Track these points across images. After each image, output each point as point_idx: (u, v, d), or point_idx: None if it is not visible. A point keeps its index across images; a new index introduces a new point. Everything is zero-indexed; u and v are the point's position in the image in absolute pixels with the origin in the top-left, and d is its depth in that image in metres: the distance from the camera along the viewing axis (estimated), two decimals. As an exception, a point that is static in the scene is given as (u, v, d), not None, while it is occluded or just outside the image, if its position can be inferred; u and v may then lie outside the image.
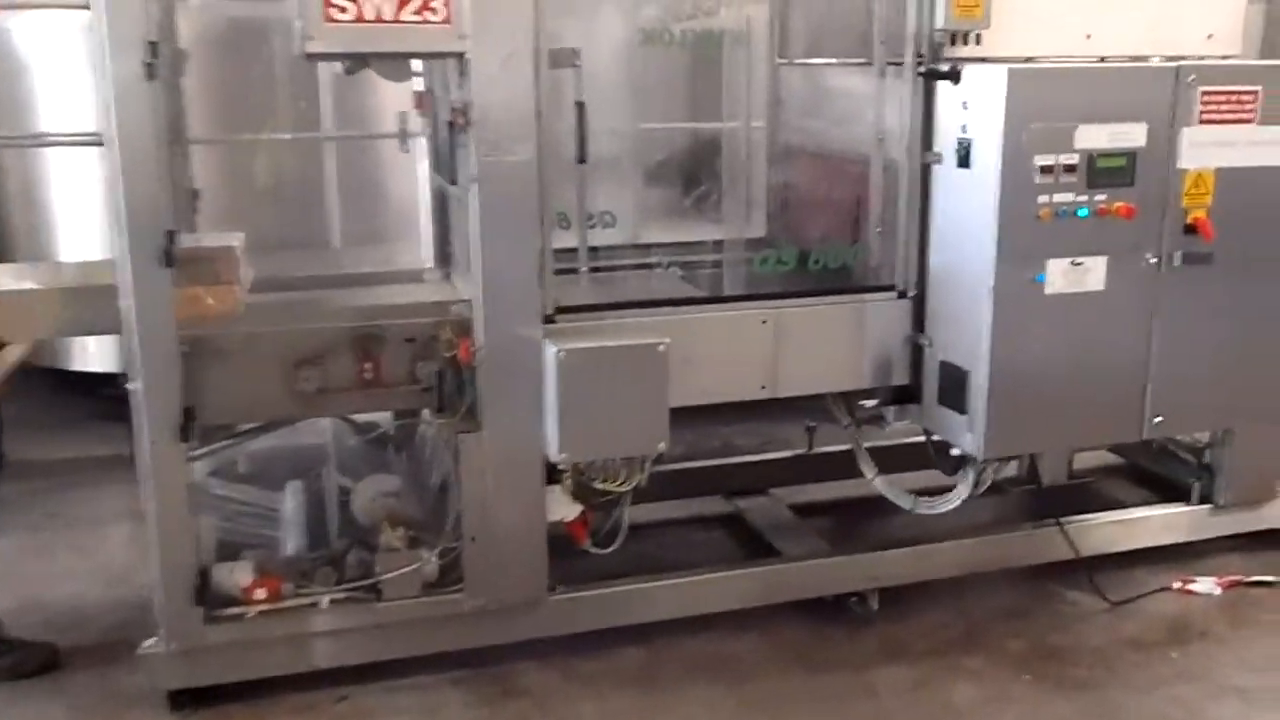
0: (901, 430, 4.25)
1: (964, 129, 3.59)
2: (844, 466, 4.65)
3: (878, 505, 4.45)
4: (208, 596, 3.46)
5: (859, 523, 4.79)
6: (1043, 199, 3.53)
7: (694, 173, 4.67)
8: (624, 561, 3.85)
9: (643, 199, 4.52)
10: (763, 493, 4.91)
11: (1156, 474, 4.94)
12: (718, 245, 4.51)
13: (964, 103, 3.59)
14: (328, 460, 4.06)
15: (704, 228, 4.58)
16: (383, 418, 4.20)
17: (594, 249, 4.10)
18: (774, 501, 4.85)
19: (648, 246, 4.47)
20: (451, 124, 3.39)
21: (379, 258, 5.06)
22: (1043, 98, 3.49)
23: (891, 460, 4.46)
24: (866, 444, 4.39)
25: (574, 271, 3.96)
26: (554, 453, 3.45)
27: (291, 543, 3.80)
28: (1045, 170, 3.50)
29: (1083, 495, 4.93)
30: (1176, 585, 4.29)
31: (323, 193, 5.53)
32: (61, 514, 5.03)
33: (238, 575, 3.51)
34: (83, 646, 3.85)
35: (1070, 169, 3.52)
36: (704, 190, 4.65)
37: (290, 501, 4.01)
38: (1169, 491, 4.70)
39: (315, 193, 5.49)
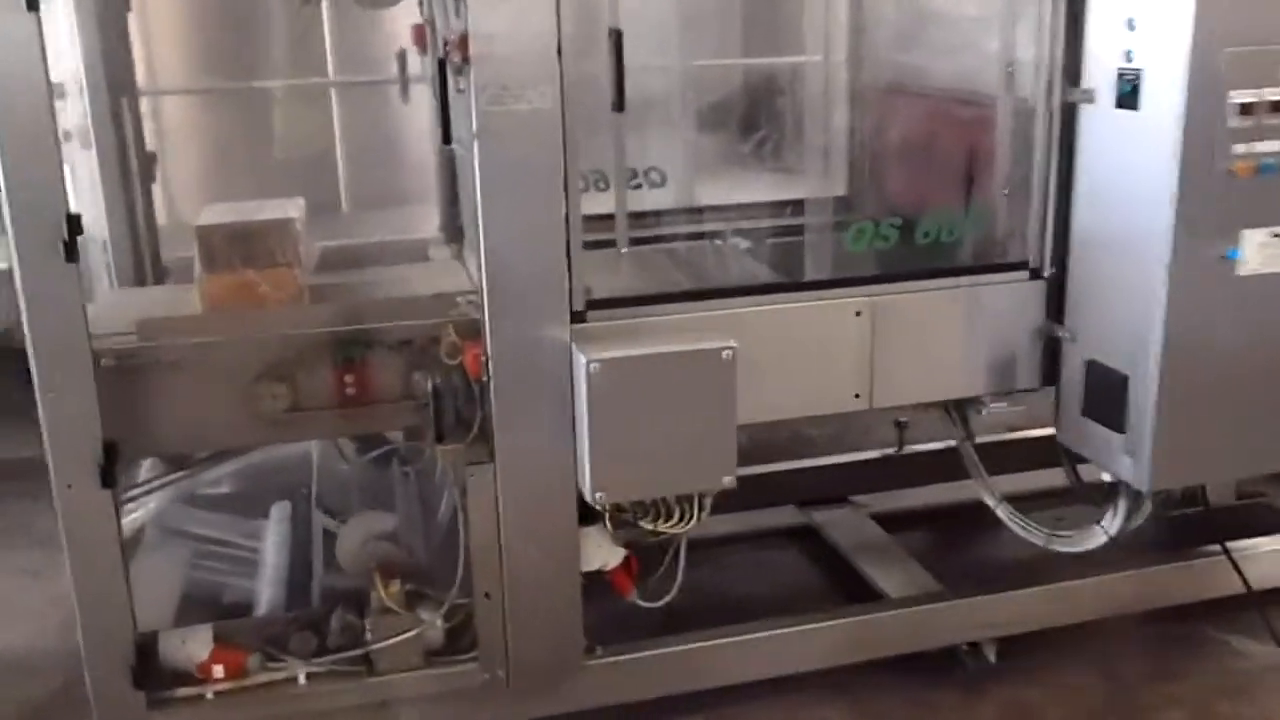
0: (1001, 416, 3.42)
1: (1128, 57, 2.74)
2: (938, 469, 3.95)
3: (978, 515, 3.65)
4: (154, 672, 2.74)
5: (959, 540, 4.04)
6: (1239, 149, 2.67)
7: (759, 119, 3.92)
8: (677, 598, 3.09)
9: (697, 152, 3.82)
10: (842, 501, 4.18)
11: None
12: (791, 208, 3.74)
13: (1129, 20, 2.72)
14: (311, 483, 3.33)
15: (773, 186, 3.84)
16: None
17: (637, 215, 3.34)
18: (856, 513, 4.13)
19: (704, 210, 3.74)
20: (444, 61, 2.57)
21: (393, 224, 4.40)
22: (1244, 13, 2.61)
23: (991, 459, 3.60)
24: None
25: (611, 245, 3.16)
26: (588, 491, 2.68)
27: (266, 595, 3.07)
28: (1244, 110, 2.64)
29: (1240, 514, 4.06)
30: (1371, 630, 3.45)
31: (331, 149, 4.90)
32: (12, 529, 4.26)
33: (191, 647, 2.78)
34: (25, 714, 3.19)
35: (1278, 108, 2.64)
36: (770, 139, 3.87)
37: (272, 537, 3.31)
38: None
39: (322, 150, 4.86)
